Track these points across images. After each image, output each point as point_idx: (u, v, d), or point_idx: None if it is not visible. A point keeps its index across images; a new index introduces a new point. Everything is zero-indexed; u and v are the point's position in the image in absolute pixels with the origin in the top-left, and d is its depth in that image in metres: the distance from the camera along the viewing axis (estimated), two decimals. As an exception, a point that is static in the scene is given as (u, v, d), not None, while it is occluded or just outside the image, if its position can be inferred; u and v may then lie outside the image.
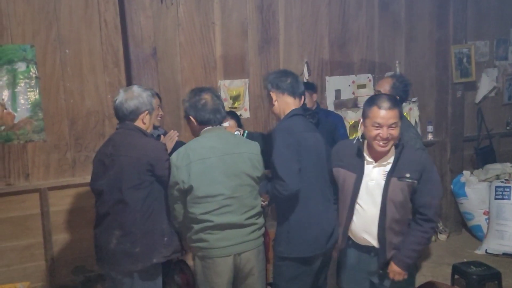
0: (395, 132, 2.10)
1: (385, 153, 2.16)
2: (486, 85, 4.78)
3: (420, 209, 2.14)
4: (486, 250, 4.03)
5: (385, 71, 4.29)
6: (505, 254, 3.91)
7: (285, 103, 2.38)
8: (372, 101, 2.15)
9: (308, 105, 3.38)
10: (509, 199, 4.02)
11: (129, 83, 3.35)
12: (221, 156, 2.21)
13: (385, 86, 2.95)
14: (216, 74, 3.71)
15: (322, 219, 2.32)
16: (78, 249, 3.44)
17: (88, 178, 3.38)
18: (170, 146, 2.60)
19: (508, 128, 5.03)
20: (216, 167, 2.19)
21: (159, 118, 2.84)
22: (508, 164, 4.51)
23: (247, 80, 3.80)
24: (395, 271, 2.16)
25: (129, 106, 2.27)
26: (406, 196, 2.14)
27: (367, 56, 4.22)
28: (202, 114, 2.27)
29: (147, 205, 2.23)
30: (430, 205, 2.12)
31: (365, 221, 2.19)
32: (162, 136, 2.74)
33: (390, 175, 2.13)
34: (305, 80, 3.83)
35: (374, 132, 2.11)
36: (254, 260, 2.28)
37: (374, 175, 2.18)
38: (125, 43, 3.33)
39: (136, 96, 2.29)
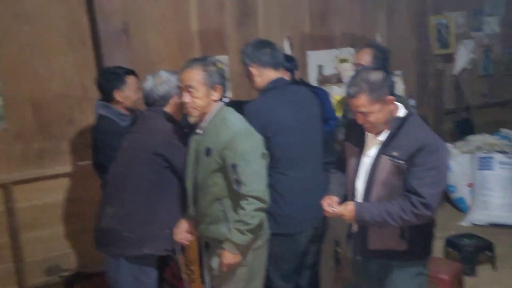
0: (371, 118, 1.82)
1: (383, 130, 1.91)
2: (463, 56, 4.78)
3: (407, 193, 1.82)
4: (472, 221, 4.03)
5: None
6: (491, 224, 3.94)
7: (268, 78, 2.22)
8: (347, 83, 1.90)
9: None
10: (492, 169, 4.03)
11: (99, 62, 3.05)
12: None
13: (366, 58, 2.70)
14: (193, 51, 3.43)
15: (309, 193, 2.20)
16: (51, 247, 3.18)
17: (58, 169, 3.14)
18: None
19: (484, 99, 5.07)
20: None
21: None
22: (487, 135, 4.54)
23: (226, 57, 3.56)
24: (345, 210, 1.86)
25: (160, 91, 2.19)
26: (393, 178, 1.83)
27: (348, 29, 4.08)
28: (226, 88, 2.06)
29: (154, 192, 2.11)
30: (416, 193, 1.75)
31: None
32: None
33: (381, 152, 1.87)
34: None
35: (356, 115, 1.88)
36: None
37: (372, 151, 1.94)
38: (92, 19, 3.00)
39: (165, 81, 2.22)
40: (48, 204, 3.12)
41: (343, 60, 4.04)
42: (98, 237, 2.21)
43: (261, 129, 2.06)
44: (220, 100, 2.04)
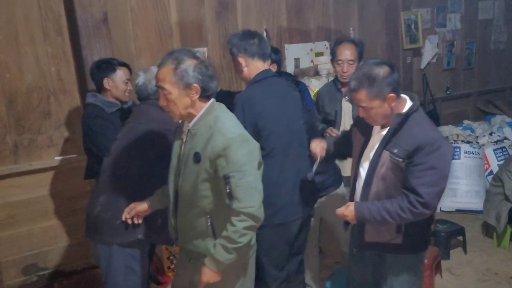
0: (373, 113, 1.81)
1: (389, 123, 1.89)
2: (429, 51, 4.98)
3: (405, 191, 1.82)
4: (440, 208, 4.23)
5: (341, 38, 4.26)
6: (458, 210, 4.16)
7: (255, 68, 2.21)
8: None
9: None
10: (459, 158, 4.24)
11: (78, 53, 2.94)
12: None
13: (350, 54, 2.76)
14: (173, 42, 3.39)
15: (297, 184, 2.24)
16: (27, 246, 3.05)
17: (34, 165, 3.02)
18: None
19: (448, 92, 5.32)
20: None
21: (127, 94, 2.57)
22: (452, 126, 4.78)
23: (205, 48, 3.54)
24: (346, 210, 1.88)
25: (153, 86, 2.13)
26: (392, 174, 1.83)
27: (323, 23, 4.14)
28: (210, 85, 1.75)
29: (147, 181, 2.09)
30: (415, 191, 1.75)
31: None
32: None
33: (382, 146, 1.86)
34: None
35: (357, 108, 1.88)
36: None
37: (376, 144, 1.91)
38: (70, 8, 2.89)
39: None
40: (24, 201, 2.98)
41: (319, 54, 4.10)
42: (90, 225, 2.16)
43: (253, 119, 2.08)
44: (208, 97, 1.77)
